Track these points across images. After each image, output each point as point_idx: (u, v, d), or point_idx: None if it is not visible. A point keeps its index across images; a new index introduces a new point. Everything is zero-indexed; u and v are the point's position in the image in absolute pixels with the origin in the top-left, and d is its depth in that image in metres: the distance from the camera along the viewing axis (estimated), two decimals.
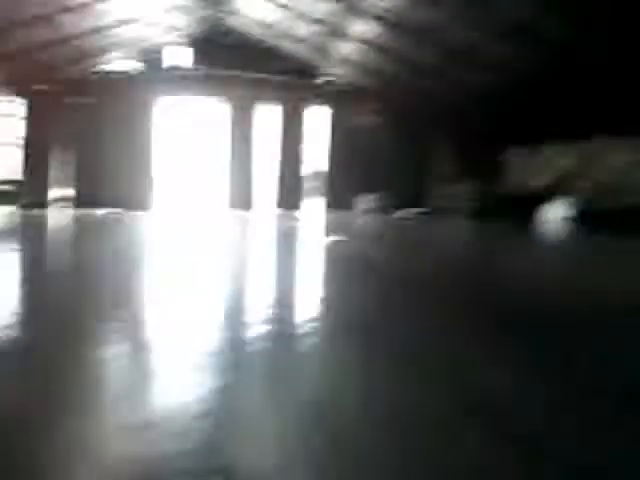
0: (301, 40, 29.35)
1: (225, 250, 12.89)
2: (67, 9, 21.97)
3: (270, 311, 6.02)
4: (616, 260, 12.26)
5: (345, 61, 29.79)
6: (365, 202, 34.17)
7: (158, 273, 9.14)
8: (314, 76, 33.35)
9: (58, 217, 24.97)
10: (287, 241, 15.08)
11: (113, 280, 8.16)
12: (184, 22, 28.91)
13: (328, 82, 33.42)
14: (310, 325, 5.51)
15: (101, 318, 5.64)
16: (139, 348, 4.67)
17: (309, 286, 8.13)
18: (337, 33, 26.42)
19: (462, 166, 33.20)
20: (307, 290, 7.83)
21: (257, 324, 5.41)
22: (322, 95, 34.03)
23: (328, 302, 6.83)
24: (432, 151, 35.18)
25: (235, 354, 4.49)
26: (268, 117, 34.47)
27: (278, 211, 33.12)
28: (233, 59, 32.10)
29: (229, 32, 31.39)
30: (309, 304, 6.77)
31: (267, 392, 3.65)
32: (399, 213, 31.29)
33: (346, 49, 27.76)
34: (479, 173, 31.70)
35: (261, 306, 6.29)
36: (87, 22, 24.19)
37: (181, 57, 31.68)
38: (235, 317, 5.97)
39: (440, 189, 33.11)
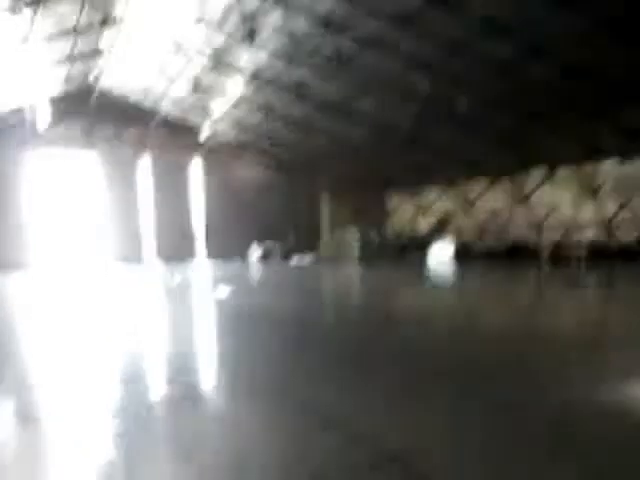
0: (178, 101, 29.89)
1: (116, 308, 12.16)
2: None
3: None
4: (472, 289, 13.07)
5: (222, 118, 30.36)
6: (252, 251, 34.48)
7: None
8: (194, 132, 33.78)
9: None
10: (178, 296, 14.56)
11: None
12: (46, 83, 27.62)
13: (207, 138, 33.90)
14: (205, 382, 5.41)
15: None
16: None
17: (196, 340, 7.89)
18: (213, 91, 27.00)
19: (349, 213, 34.33)
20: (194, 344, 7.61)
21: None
22: (202, 149, 34.67)
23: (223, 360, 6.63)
24: (316, 200, 36.12)
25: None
26: (148, 168, 34.47)
27: (166, 263, 32.63)
28: (100, 117, 32.09)
29: (92, 92, 31.13)
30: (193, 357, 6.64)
31: None
32: (288, 260, 31.50)
33: (222, 106, 28.24)
34: (365, 219, 32.89)
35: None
36: None
37: (41, 116, 29.79)
38: (131, 384, 5.69)
39: (328, 236, 33.87)
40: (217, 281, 18.65)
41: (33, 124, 31.12)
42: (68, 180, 34.21)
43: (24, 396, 5.38)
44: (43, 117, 30.30)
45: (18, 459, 3.86)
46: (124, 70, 28.29)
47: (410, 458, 3.40)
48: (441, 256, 27.13)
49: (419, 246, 29.36)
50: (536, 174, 27.47)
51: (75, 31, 22.42)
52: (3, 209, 31.33)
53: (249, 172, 36.23)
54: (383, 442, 3.64)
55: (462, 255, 26.61)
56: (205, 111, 30.05)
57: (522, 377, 5.06)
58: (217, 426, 4.26)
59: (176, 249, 34.13)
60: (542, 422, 3.89)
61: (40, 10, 19.31)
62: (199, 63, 24.57)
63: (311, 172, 35.00)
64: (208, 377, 5.82)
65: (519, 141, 23.73)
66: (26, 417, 4.73)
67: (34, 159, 32.65)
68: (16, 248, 31.28)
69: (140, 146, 33.82)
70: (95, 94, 31.40)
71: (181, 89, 28.02)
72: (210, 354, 6.96)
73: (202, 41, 22.63)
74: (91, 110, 32.07)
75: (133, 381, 5.75)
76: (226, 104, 27.82)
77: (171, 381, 5.62)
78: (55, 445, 4.10)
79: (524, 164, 27.34)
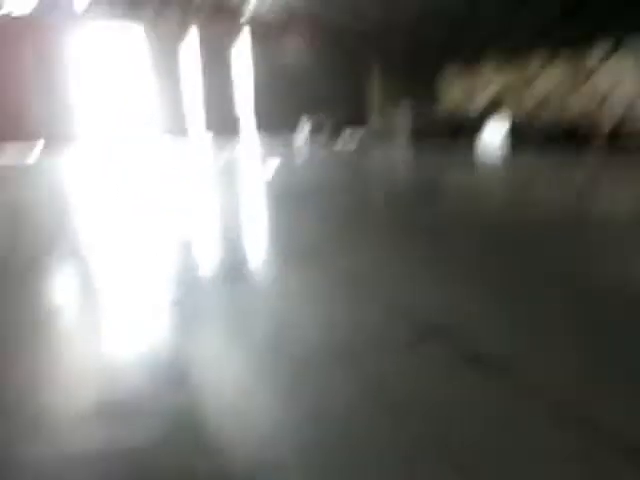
0: None
1: (164, 184, 12.34)
2: None
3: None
4: (531, 175, 12.63)
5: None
6: (301, 125, 33.71)
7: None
8: (241, 4, 32.20)
9: None
10: (224, 172, 14.66)
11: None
12: None
13: (254, 9, 32.41)
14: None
15: None
16: None
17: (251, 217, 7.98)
18: None
19: (401, 87, 33.04)
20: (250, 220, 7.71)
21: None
22: (249, 20, 33.16)
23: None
24: (369, 72, 34.79)
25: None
26: (193, 42, 33.41)
27: (211, 136, 32.66)
28: None
29: None
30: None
31: None
32: (338, 135, 31.10)
33: None
34: (418, 94, 31.68)
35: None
36: None
37: None
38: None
39: (378, 110, 32.95)
40: (264, 157, 18.63)
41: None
42: (114, 54, 33.80)
43: (81, 267, 5.53)
44: None
45: (83, 324, 3.96)
46: None
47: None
48: (494, 136, 26.24)
49: (472, 125, 28.35)
50: (601, 47, 25.53)
51: None
52: (51, 84, 31.46)
53: (298, 44, 34.89)
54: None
55: (517, 136, 25.64)
56: None
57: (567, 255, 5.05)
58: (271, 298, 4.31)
59: (222, 124, 33.84)
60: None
61: None
62: None
63: (363, 44, 33.39)
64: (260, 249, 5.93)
65: (583, 10, 21.83)
66: (85, 287, 4.84)
67: (80, 33, 32.24)
68: (65, 123, 31.53)
69: (186, 19, 32.65)
70: None
71: None
72: (260, 228, 7.09)
73: None
74: None
75: (186, 253, 5.87)
76: None
77: (227, 255, 5.70)
78: (115, 309, 4.23)
79: (588, 36, 25.23)
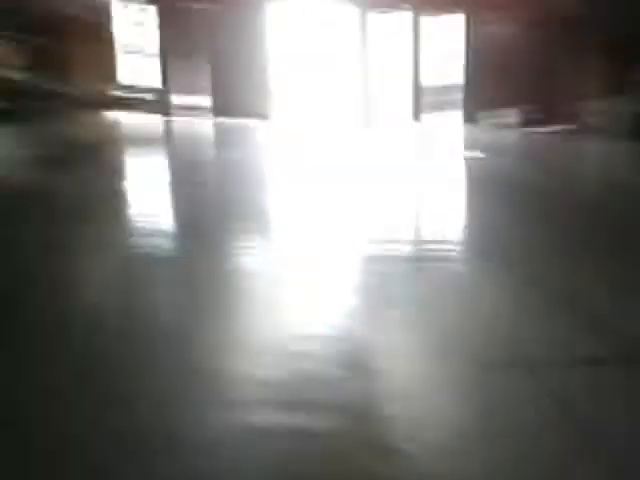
0: None
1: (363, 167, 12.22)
2: None
3: None
4: None
5: None
6: (504, 116, 32.29)
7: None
8: None
9: (194, 125, 27.92)
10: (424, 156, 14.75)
11: None
12: None
13: None
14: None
15: None
16: None
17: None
18: None
19: (609, 81, 31.56)
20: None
21: None
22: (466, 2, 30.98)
23: None
24: (577, 63, 33.22)
25: None
26: (399, 24, 33.58)
27: (406, 124, 31.52)
28: None
29: None
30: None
31: None
32: (543, 129, 29.61)
33: None
34: (627, 89, 30.08)
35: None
36: None
37: None
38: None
39: (585, 105, 31.24)
40: (466, 144, 18.03)
41: None
42: (314, 32, 34.02)
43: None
44: None
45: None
46: None
47: None
48: None
49: None
50: None
51: None
52: (248, 60, 32.51)
53: (511, 28, 34.20)
54: None
55: None
56: None
57: None
58: None
59: (422, 109, 32.56)
60: None
61: None
62: None
63: (578, 30, 32.38)
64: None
65: None
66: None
67: (279, 8, 32.34)
68: (260, 99, 32.40)
69: None
70: None
71: None
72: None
73: None
74: None
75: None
76: None
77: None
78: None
79: None
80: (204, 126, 29.05)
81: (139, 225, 7.00)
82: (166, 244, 6.15)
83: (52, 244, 6.02)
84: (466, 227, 7.21)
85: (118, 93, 27.21)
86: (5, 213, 7.40)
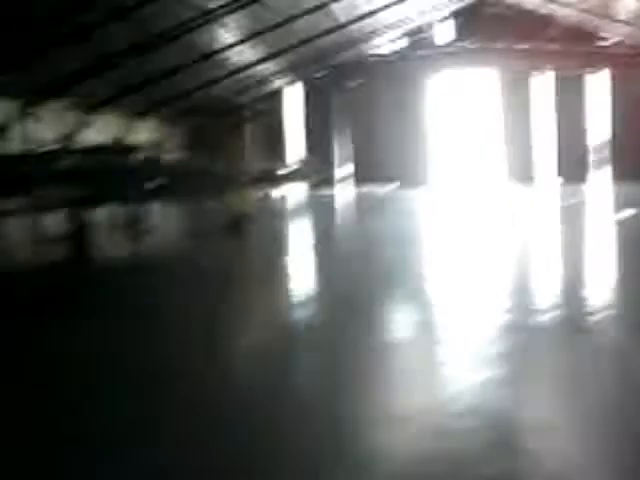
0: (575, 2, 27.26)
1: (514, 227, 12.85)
2: None
3: None
4: None
5: (634, 18, 27.01)
6: None
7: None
8: (593, 40, 31.53)
9: (345, 195, 29.32)
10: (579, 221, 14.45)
11: None
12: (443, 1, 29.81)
13: (611, 44, 31.42)
14: None
15: None
16: None
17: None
18: None
19: None
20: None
21: None
22: (604, 59, 31.72)
23: None
24: None
25: None
26: (543, 85, 33.63)
27: (560, 184, 31.44)
28: (499, 29, 31.86)
29: (486, 4, 32.09)
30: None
31: None
32: None
33: (632, 4, 25.17)
34: None
35: None
36: (356, 9, 26.00)
37: (446, 32, 33.01)
38: None
39: None
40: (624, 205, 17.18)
41: (431, 42, 33.42)
42: (465, 98, 35.34)
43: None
44: (441, 36, 32.92)
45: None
46: None
47: None
48: None
49: None
50: None
51: None
52: (407, 128, 33.93)
53: None
54: None
55: None
56: (610, 11, 27.03)
57: None
58: None
59: (571, 169, 32.90)
60: None
61: None
62: None
63: None
64: None
65: None
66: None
67: (433, 77, 34.66)
68: (418, 166, 33.88)
69: (535, 59, 32.89)
70: (489, 6, 32.14)
71: None
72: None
73: None
74: (486, 25, 32.17)
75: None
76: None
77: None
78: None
79: None
80: (360, 195, 29.95)
81: (297, 293, 7.55)
82: (321, 314, 6.40)
83: (218, 311, 6.48)
84: (621, 294, 6.58)
85: (277, 169, 28.36)
86: (174, 278, 8.09)
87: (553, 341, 4.58)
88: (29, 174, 11.54)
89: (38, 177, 11.99)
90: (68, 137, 23.23)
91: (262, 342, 5.37)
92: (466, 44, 32.81)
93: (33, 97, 19.24)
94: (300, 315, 6.34)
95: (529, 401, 3.42)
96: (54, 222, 13.27)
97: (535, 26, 31.12)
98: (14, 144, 16.54)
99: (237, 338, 5.59)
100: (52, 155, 16.02)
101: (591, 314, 5.30)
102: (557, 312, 5.48)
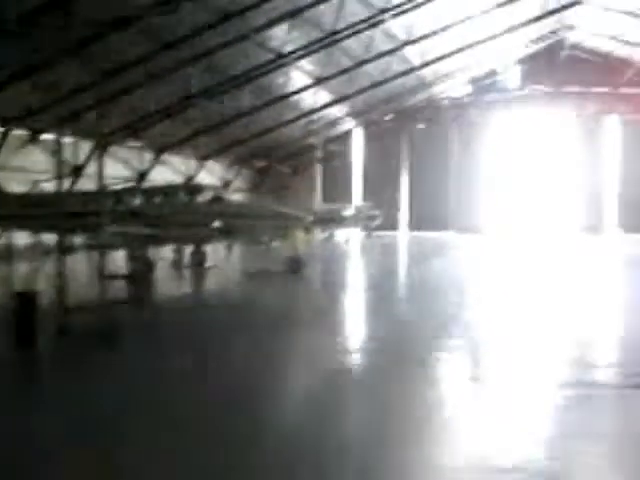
0: None
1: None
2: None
3: None
4: None
5: None
6: None
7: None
8: None
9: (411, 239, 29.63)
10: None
11: None
12: (516, 44, 29.86)
13: None
14: None
15: None
16: None
17: None
18: None
19: None
20: None
21: None
22: None
23: None
24: None
25: None
26: (615, 132, 33.23)
27: (627, 233, 30.79)
28: (573, 72, 31.67)
29: (561, 48, 31.67)
30: None
31: None
32: None
33: None
34: None
35: None
36: (429, 54, 26.29)
37: (512, 77, 33.28)
38: None
39: None
40: None
41: (503, 85, 33.48)
42: (531, 143, 34.77)
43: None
44: (512, 80, 33.02)
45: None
46: (595, 19, 27.74)
47: None
48: None
49: None
50: None
51: None
52: (473, 173, 33.89)
53: None
54: None
55: None
56: None
57: None
58: None
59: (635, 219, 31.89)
60: None
61: None
62: None
63: None
64: None
65: None
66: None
67: (503, 121, 34.73)
68: (475, 211, 33.74)
69: (607, 104, 32.62)
70: (565, 49, 31.68)
71: None
72: None
73: None
74: (558, 68, 31.97)
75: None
76: None
77: None
78: None
79: None
80: (411, 241, 29.60)
81: (344, 338, 7.46)
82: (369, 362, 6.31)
83: (263, 352, 6.41)
84: None
85: (342, 211, 28.38)
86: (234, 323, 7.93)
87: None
88: (100, 211, 11.71)
89: (108, 214, 12.19)
90: (141, 176, 24.01)
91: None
92: (538, 88, 32.13)
93: (109, 136, 19.90)
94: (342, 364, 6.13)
95: None
96: (120, 259, 13.39)
97: (611, 69, 30.13)
98: (89, 182, 17.00)
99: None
100: (123, 193, 16.45)
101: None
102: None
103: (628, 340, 6.58)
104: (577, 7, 26.07)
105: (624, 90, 30.72)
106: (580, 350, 6.28)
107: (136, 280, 12.67)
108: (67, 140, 10.83)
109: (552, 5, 24.99)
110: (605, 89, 31.31)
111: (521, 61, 32.10)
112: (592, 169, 32.72)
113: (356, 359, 6.43)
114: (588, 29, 29.00)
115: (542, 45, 30.90)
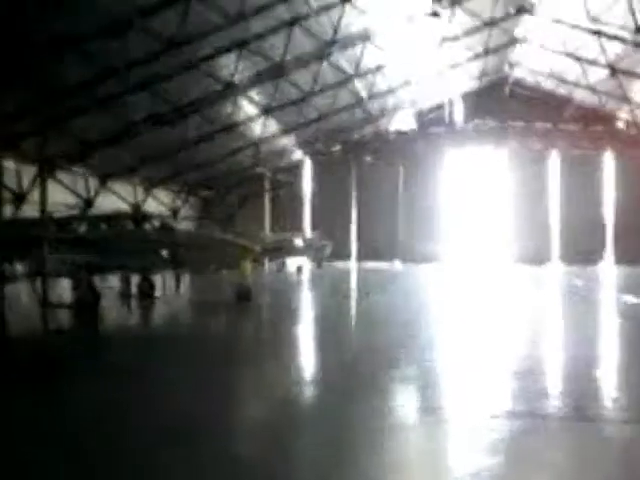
0: (592, 86, 28.08)
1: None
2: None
3: None
4: None
5: None
6: None
7: None
8: (608, 121, 32.08)
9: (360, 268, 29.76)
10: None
11: None
12: (461, 79, 30.77)
13: (623, 126, 32.28)
14: None
15: None
16: None
17: None
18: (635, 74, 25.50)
19: None
20: None
21: None
22: (616, 139, 32.28)
23: None
24: None
25: None
26: (556, 166, 34.30)
27: (569, 265, 31.42)
28: (516, 108, 32.92)
29: (504, 84, 32.94)
30: None
31: None
32: None
33: None
34: None
35: None
36: (375, 86, 26.82)
37: (457, 111, 34.03)
38: None
39: None
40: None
41: (449, 121, 34.27)
42: (478, 177, 35.93)
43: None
44: (457, 114, 33.84)
45: None
46: (536, 58, 29.12)
47: None
48: None
49: None
50: None
51: (490, 23, 24.40)
52: (422, 205, 34.31)
53: None
54: None
55: None
56: (624, 96, 27.64)
57: None
58: None
59: (583, 251, 32.83)
60: None
61: (455, 9, 21.94)
62: (619, 44, 23.29)
63: None
64: None
65: None
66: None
67: (449, 155, 35.44)
68: (431, 242, 34.04)
69: (548, 140, 33.64)
70: (507, 86, 32.94)
71: (597, 73, 26.91)
72: None
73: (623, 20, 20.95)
74: (502, 104, 33.17)
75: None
76: None
77: None
78: None
79: None
80: (361, 270, 29.79)
81: (297, 368, 7.43)
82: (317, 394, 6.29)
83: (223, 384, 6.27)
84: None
85: (292, 240, 28.71)
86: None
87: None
88: (43, 239, 11.36)
89: (52, 242, 11.84)
90: (87, 203, 23.47)
91: None
92: (482, 122, 33.31)
93: (52, 162, 19.44)
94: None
95: None
96: (63, 288, 13.00)
97: (552, 106, 31.59)
98: (32, 209, 16.51)
99: None
100: (67, 220, 16.03)
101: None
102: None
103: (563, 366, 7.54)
104: (518, 45, 27.48)
105: (563, 127, 32.26)
106: (511, 379, 6.71)
107: (80, 309, 12.33)
108: (9, 165, 10.57)
109: (494, 43, 26.16)
110: (547, 125, 32.79)
111: (466, 96, 33.16)
112: (535, 202, 33.98)
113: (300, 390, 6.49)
114: (529, 67, 30.64)
115: (487, 80, 32.30)
